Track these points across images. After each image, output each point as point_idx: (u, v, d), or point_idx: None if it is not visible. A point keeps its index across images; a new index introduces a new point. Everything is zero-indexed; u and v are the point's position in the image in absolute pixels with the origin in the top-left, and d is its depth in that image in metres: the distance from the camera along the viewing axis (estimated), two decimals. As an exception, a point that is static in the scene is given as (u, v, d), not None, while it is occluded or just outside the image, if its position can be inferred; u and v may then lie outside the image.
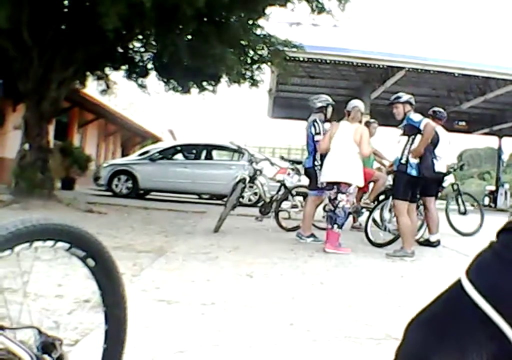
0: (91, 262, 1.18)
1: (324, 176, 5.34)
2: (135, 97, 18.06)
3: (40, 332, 1.09)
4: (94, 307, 2.60)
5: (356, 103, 5.52)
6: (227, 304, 2.76)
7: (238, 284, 3.30)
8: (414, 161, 4.95)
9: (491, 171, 35.49)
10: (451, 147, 6.67)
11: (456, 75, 16.35)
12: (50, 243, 1.07)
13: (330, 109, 6.00)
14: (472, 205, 11.06)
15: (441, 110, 6.65)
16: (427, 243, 6.15)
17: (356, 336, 2.33)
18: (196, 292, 2.99)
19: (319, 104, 5.99)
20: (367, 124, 7.58)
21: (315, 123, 5.81)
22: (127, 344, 2.06)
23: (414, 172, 4.96)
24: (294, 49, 9.31)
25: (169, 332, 2.24)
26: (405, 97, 5.30)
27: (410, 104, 5.24)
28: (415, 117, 5.04)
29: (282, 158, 9.04)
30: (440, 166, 6.06)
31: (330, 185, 5.27)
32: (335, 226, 5.15)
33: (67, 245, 1.11)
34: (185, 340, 2.14)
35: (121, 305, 1.26)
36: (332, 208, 5.21)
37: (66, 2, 7.51)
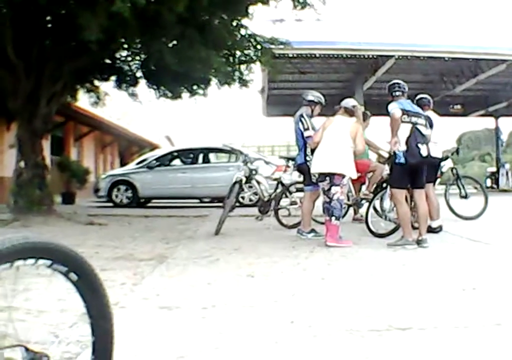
0: (73, 276, 1.19)
1: (316, 167, 5.32)
2: (128, 106, 18.05)
3: (27, 349, 1.10)
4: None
5: (354, 102, 5.59)
6: (228, 306, 2.76)
7: (239, 285, 3.30)
8: (399, 150, 4.95)
9: (491, 153, 35.37)
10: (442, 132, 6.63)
11: (446, 59, 16.32)
12: (31, 261, 1.07)
13: (318, 107, 5.99)
14: (476, 188, 11.01)
15: (425, 95, 6.58)
16: (429, 229, 6.11)
17: (357, 329, 2.33)
18: (197, 296, 2.99)
19: (311, 98, 5.98)
20: (363, 115, 7.58)
21: (302, 118, 5.80)
22: (127, 354, 2.07)
23: (402, 160, 4.96)
24: (281, 46, 9.29)
25: (169, 339, 2.24)
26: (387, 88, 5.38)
27: (390, 93, 5.26)
28: (389, 107, 5.04)
29: (280, 157, 9.06)
30: (435, 151, 6.04)
31: (322, 176, 5.26)
32: (333, 218, 5.14)
33: (48, 262, 1.12)
34: (186, 345, 2.14)
35: (106, 316, 1.27)
36: (328, 200, 5.21)
37: (48, 18, 7.50)
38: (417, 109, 5.25)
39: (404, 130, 4.97)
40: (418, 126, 5.06)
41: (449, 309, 2.66)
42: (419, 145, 4.94)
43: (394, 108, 4.98)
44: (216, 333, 2.30)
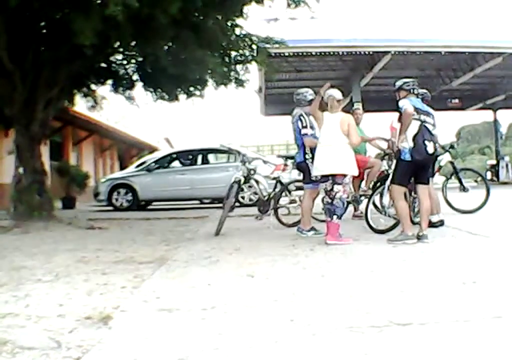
0: None
1: (318, 170, 5.32)
2: (126, 110, 18.07)
3: None
4: (95, 324, 2.62)
5: (330, 92, 5.43)
6: (228, 307, 2.76)
7: (239, 285, 3.29)
8: (405, 146, 4.95)
9: (490, 145, 35.37)
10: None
11: (443, 53, 16.32)
12: None
13: None
14: (476, 181, 10.98)
15: (423, 90, 6.58)
16: (429, 224, 6.10)
17: (357, 326, 2.32)
18: (197, 298, 2.99)
19: (310, 97, 5.96)
20: (353, 112, 7.56)
21: (302, 117, 5.79)
22: (128, 356, 2.07)
23: (408, 157, 4.97)
24: (277, 45, 9.28)
25: (169, 341, 2.24)
26: (398, 83, 5.36)
27: (404, 89, 5.26)
28: (401, 103, 5.04)
29: (278, 156, 9.04)
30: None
31: (325, 177, 5.26)
32: (335, 217, 5.14)
33: None
34: (186, 347, 2.14)
35: None
36: (330, 201, 5.20)
37: (42, 23, 7.50)
38: (427, 108, 5.23)
39: (413, 127, 4.97)
40: (427, 124, 5.05)
41: (449, 303, 2.66)
42: (426, 142, 4.93)
43: (406, 104, 4.98)
44: (216, 334, 2.30)
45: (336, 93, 5.43)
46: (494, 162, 22.86)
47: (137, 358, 2.06)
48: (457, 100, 21.42)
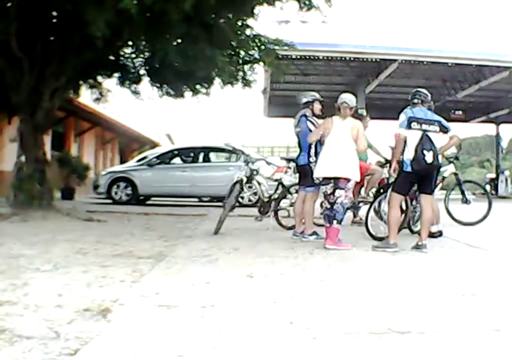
0: None
1: (321, 171, 5.29)
2: (130, 104, 18.05)
3: None
4: (94, 316, 2.61)
5: (344, 98, 5.41)
6: (227, 306, 2.76)
7: (238, 285, 3.29)
8: (407, 157, 4.97)
9: (491, 159, 35.51)
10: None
11: (449, 64, 16.36)
12: None
13: (317, 105, 5.95)
14: (474, 194, 11.00)
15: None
16: (428, 234, 6.11)
17: (356, 332, 2.32)
18: (196, 295, 2.98)
19: (305, 99, 5.98)
20: (360, 118, 7.57)
21: (310, 118, 5.79)
22: (126, 352, 2.06)
23: (409, 168, 4.98)
24: (285, 48, 9.29)
25: (168, 337, 2.23)
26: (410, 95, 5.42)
27: (410, 100, 5.31)
28: (400, 116, 5.07)
29: (281, 158, 9.05)
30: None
31: (327, 180, 5.25)
32: (335, 221, 5.14)
33: None
34: (185, 344, 2.14)
35: None
36: (329, 206, 5.19)
37: (54, 13, 7.50)
38: (431, 116, 5.19)
39: (414, 138, 4.98)
40: (429, 133, 5.03)
41: (448, 314, 2.66)
42: (425, 151, 4.92)
43: (401, 121, 5.04)
44: (215, 332, 2.29)
45: (350, 99, 5.40)
46: (493, 175, 22.92)
47: (136, 352, 2.05)
48: (460, 112, 21.45)
